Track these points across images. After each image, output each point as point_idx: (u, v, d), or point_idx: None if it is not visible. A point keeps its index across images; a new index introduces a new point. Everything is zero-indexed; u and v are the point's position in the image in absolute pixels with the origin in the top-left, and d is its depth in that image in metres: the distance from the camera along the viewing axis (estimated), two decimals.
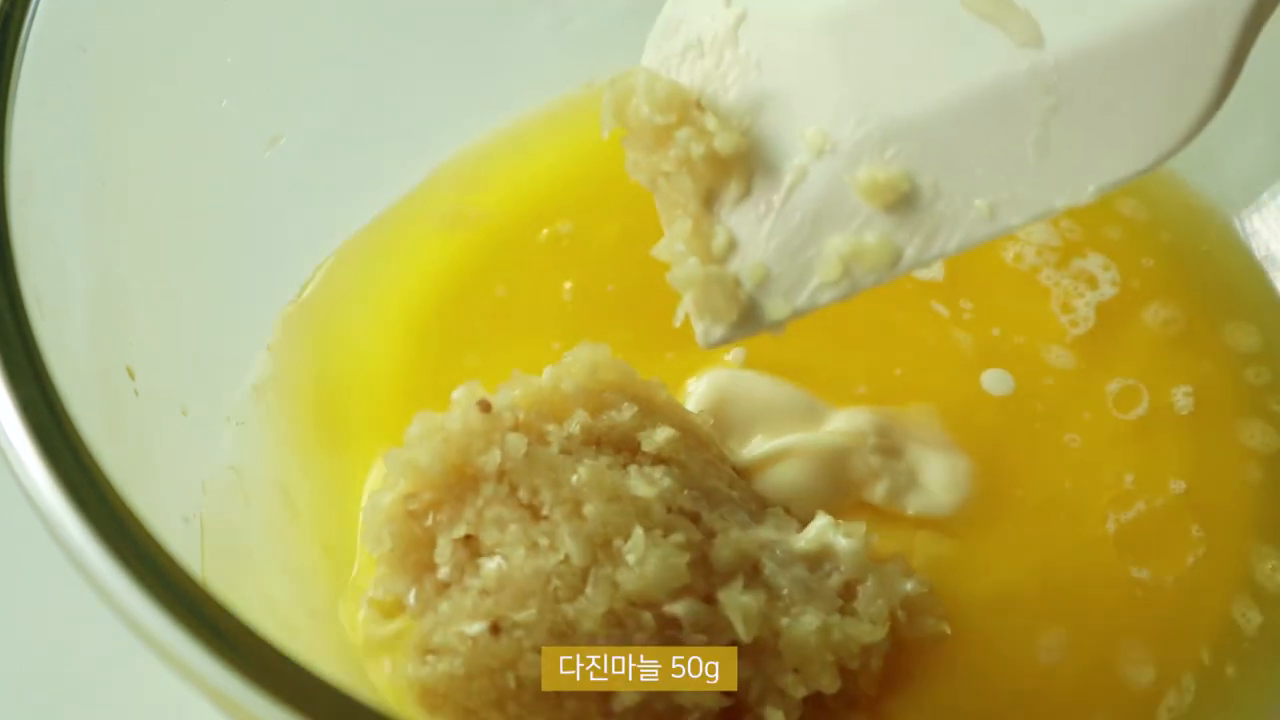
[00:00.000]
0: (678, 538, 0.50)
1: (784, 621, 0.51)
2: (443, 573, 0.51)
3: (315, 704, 0.40)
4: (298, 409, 0.62)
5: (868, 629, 0.52)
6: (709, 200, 0.47)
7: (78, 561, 0.42)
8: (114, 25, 0.56)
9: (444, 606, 0.50)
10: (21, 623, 0.64)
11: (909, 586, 0.54)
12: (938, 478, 0.58)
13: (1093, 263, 0.65)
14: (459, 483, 0.52)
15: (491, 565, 0.50)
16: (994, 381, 0.61)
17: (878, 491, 0.58)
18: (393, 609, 0.55)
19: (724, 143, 0.47)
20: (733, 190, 0.47)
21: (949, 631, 0.55)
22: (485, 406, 0.52)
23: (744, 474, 0.58)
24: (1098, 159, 0.42)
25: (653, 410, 0.56)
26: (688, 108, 0.47)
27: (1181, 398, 0.61)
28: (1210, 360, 0.62)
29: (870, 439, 0.58)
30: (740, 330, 0.47)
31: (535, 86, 0.71)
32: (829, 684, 0.51)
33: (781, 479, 0.58)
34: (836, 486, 0.58)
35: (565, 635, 0.49)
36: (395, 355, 0.64)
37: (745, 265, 0.47)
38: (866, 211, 0.45)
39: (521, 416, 0.53)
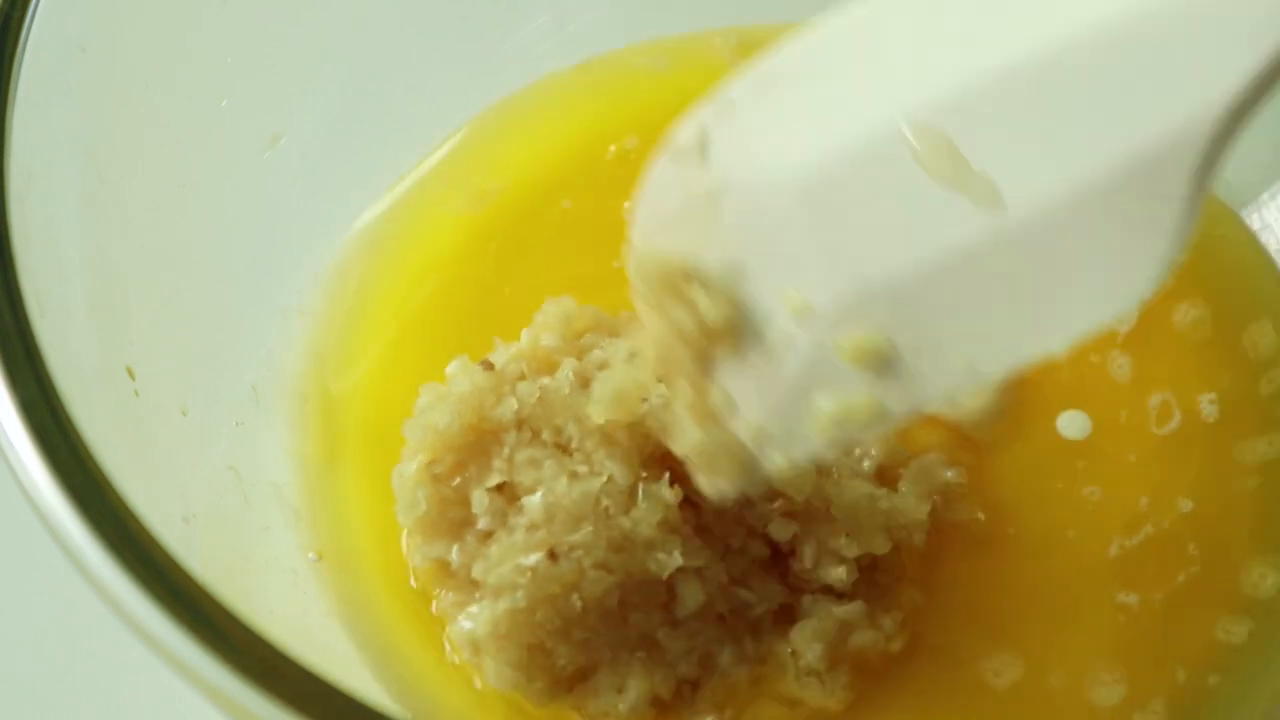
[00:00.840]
0: None
1: (834, 491, 0.53)
2: (483, 523, 0.52)
3: (315, 704, 0.40)
4: (297, 409, 0.62)
5: (912, 504, 0.54)
6: (703, 362, 0.49)
7: (78, 561, 0.42)
8: (114, 25, 0.56)
9: (493, 550, 0.51)
10: (21, 622, 0.64)
11: (949, 475, 0.56)
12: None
13: None
14: (478, 440, 0.52)
15: (535, 500, 0.51)
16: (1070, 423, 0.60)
17: None
18: (429, 578, 0.55)
19: (714, 316, 0.48)
20: (724, 354, 0.48)
21: (983, 518, 0.56)
22: (488, 365, 0.53)
23: None
24: (1065, 312, 0.43)
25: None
26: (675, 282, 0.48)
27: (1206, 405, 0.60)
28: (1231, 370, 0.61)
29: None
30: (744, 484, 0.49)
31: (536, 81, 0.71)
32: (880, 545, 0.52)
33: None
34: None
35: (624, 547, 0.50)
36: (395, 356, 0.64)
37: (744, 426, 0.48)
38: (850, 372, 0.46)
39: (525, 368, 0.54)
